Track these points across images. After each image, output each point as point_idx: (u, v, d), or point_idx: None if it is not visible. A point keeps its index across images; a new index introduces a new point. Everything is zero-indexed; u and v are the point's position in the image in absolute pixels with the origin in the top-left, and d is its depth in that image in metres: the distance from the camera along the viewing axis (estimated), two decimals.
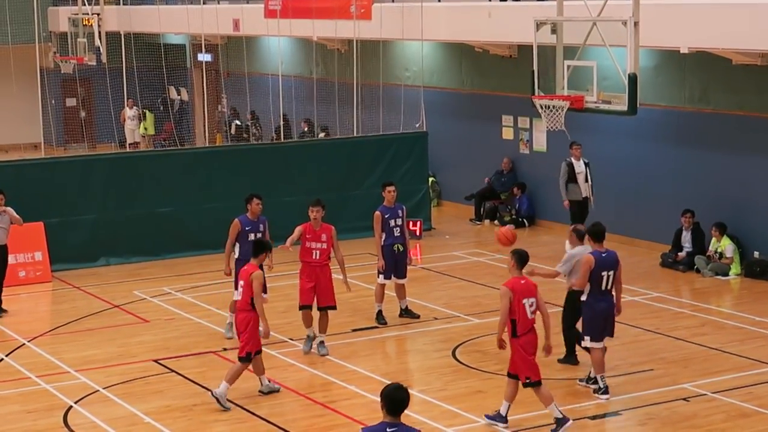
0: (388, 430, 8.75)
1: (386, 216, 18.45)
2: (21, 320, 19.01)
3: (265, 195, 24.75)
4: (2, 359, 17.42)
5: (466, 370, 16.34)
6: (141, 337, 18.54)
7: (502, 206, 27.42)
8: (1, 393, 15.93)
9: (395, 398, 8.77)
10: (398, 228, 18.52)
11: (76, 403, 15.31)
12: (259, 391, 15.36)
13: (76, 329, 19.09)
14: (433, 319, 18.98)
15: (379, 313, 18.70)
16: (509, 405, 14.00)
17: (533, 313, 13.71)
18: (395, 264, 18.56)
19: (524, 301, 13.59)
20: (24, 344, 18.20)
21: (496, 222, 27.21)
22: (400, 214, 18.58)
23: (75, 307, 20.45)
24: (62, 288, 21.93)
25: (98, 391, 15.81)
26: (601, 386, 14.94)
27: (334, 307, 17.18)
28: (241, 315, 15.02)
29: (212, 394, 14.96)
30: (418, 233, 25.66)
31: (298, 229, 17.00)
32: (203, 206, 24.52)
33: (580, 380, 15.43)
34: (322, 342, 17.20)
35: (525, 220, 26.85)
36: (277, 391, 15.46)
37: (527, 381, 13.73)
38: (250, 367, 15.23)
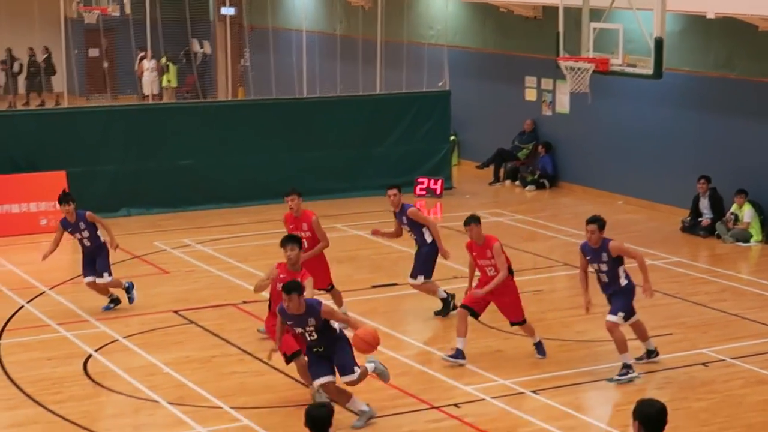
0: None
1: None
2: (42, 268, 19.06)
3: (287, 150, 25.03)
4: (23, 306, 17.53)
5: (485, 329, 16.33)
6: (161, 287, 18.62)
7: (523, 167, 27.36)
8: (22, 340, 16.05)
9: (314, 416, 8.63)
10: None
11: (96, 351, 15.42)
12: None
13: None
14: (453, 278, 18.97)
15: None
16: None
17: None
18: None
19: None
20: (44, 292, 18.30)
21: (517, 182, 27.19)
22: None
23: None
24: None
25: (117, 340, 15.91)
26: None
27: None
28: None
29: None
30: (438, 192, 25.68)
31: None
32: (224, 159, 24.57)
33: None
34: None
35: (546, 181, 26.79)
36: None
37: None
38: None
